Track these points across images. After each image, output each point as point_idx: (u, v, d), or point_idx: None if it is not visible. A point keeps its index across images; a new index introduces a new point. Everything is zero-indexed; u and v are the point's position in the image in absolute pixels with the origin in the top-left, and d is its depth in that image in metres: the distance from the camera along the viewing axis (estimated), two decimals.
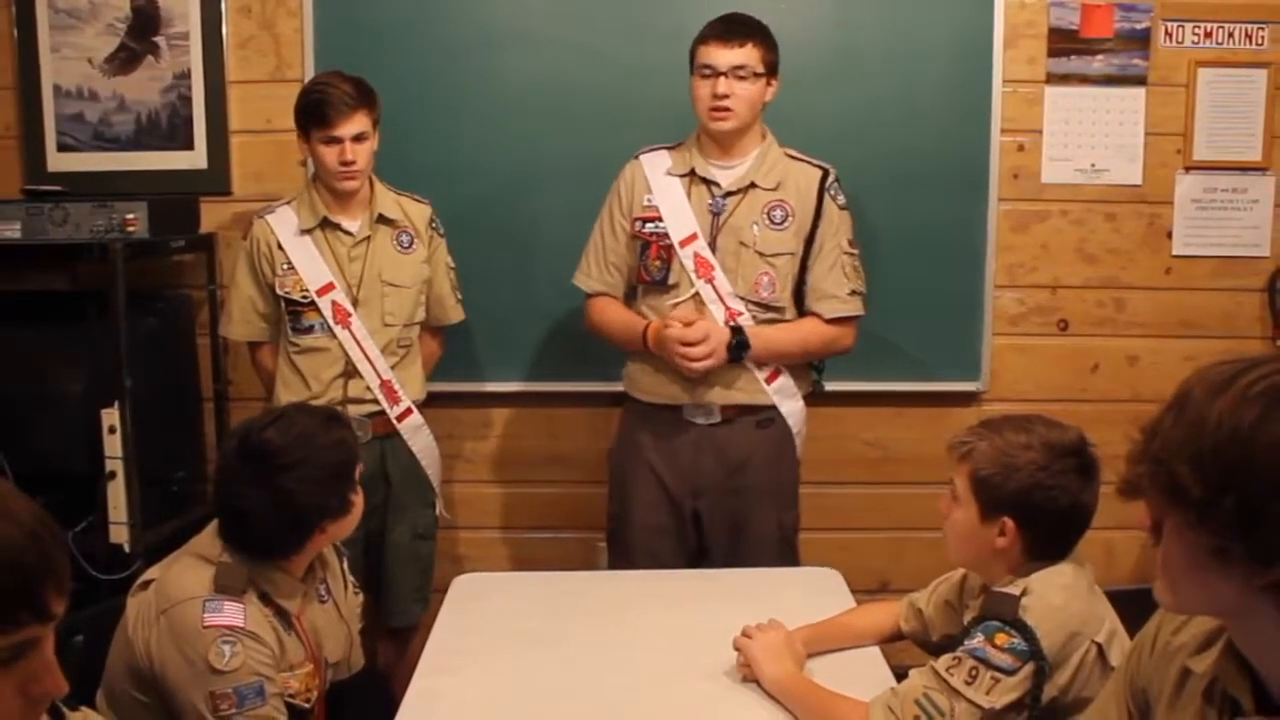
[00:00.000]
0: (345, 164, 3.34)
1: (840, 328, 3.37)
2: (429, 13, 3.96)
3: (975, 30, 3.98)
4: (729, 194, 3.29)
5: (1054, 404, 3.89)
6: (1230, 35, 4.03)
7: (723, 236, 3.27)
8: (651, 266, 3.31)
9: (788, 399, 3.37)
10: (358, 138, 3.34)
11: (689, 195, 3.31)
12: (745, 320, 3.26)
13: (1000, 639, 2.05)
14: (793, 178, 3.32)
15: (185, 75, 4.02)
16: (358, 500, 2.48)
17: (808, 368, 3.45)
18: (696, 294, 3.27)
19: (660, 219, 3.31)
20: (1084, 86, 4.04)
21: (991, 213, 4.06)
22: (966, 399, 4.15)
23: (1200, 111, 4.05)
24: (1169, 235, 4.11)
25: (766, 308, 3.29)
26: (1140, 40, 4.02)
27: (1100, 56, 4.03)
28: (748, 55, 3.19)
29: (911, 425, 4.18)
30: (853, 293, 3.35)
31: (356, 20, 3.96)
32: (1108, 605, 2.17)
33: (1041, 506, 2.13)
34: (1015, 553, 2.17)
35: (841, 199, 3.35)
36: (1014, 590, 2.11)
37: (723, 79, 3.18)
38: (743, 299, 3.27)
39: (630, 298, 3.44)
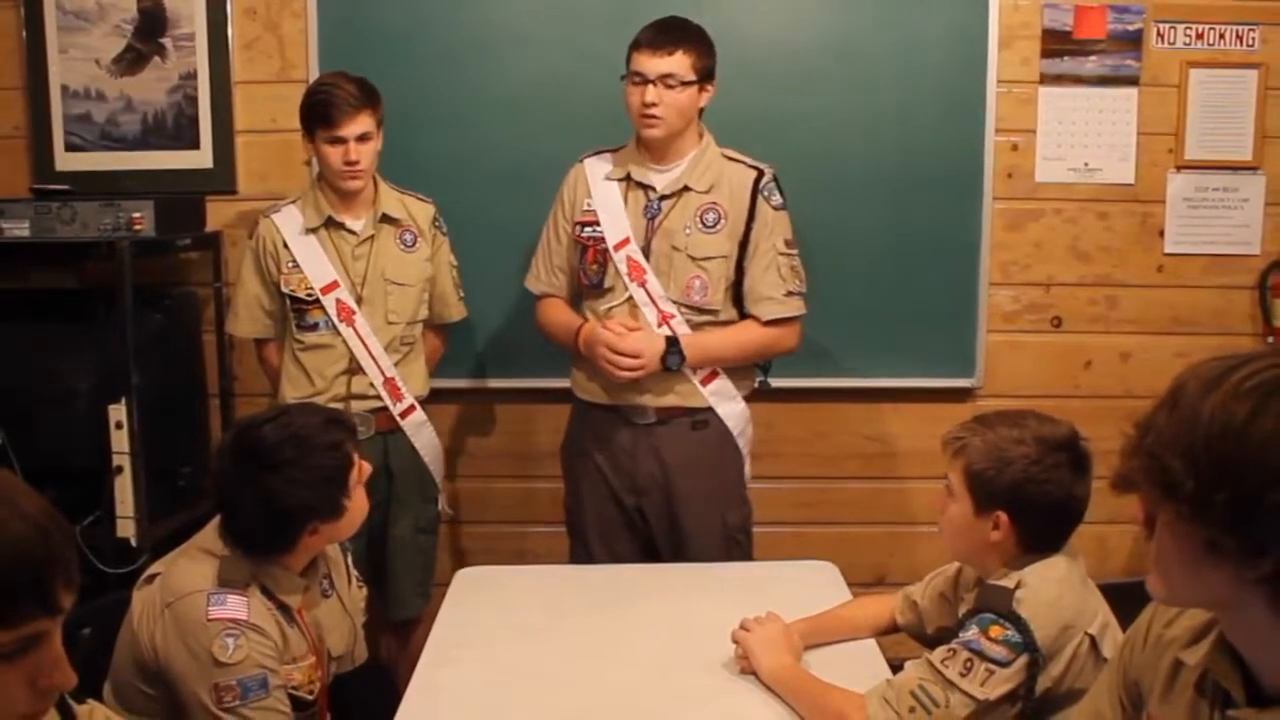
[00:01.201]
0: (349, 164, 3.34)
1: (780, 329, 3.31)
2: (432, 15, 3.96)
3: (970, 31, 3.97)
4: (664, 197, 3.27)
5: (1048, 400, 3.89)
6: (1221, 36, 4.03)
7: (657, 240, 3.25)
8: (589, 270, 3.31)
9: (725, 400, 3.33)
10: (362, 138, 3.34)
11: (625, 199, 3.30)
12: (678, 323, 3.23)
13: (995, 631, 2.05)
14: (726, 179, 3.27)
15: (191, 76, 4.01)
16: (352, 505, 2.42)
17: (752, 368, 3.41)
18: (630, 298, 3.26)
19: (598, 223, 3.29)
20: (1077, 87, 4.04)
21: (986, 211, 4.05)
22: (962, 395, 4.14)
23: (1192, 111, 4.05)
24: (1161, 233, 4.11)
25: (699, 310, 3.26)
26: (1133, 41, 4.02)
27: (1093, 57, 4.03)
28: (676, 64, 3.14)
29: (908, 421, 4.18)
30: (789, 293, 3.29)
31: (360, 21, 3.96)
32: (1100, 598, 2.17)
33: (1034, 500, 2.13)
34: (1009, 546, 2.17)
35: (777, 199, 3.29)
36: (1008, 583, 2.11)
37: (651, 87, 3.14)
38: (675, 302, 3.24)
39: (576, 301, 3.44)
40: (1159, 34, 4.02)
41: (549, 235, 3.43)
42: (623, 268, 3.26)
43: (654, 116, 3.16)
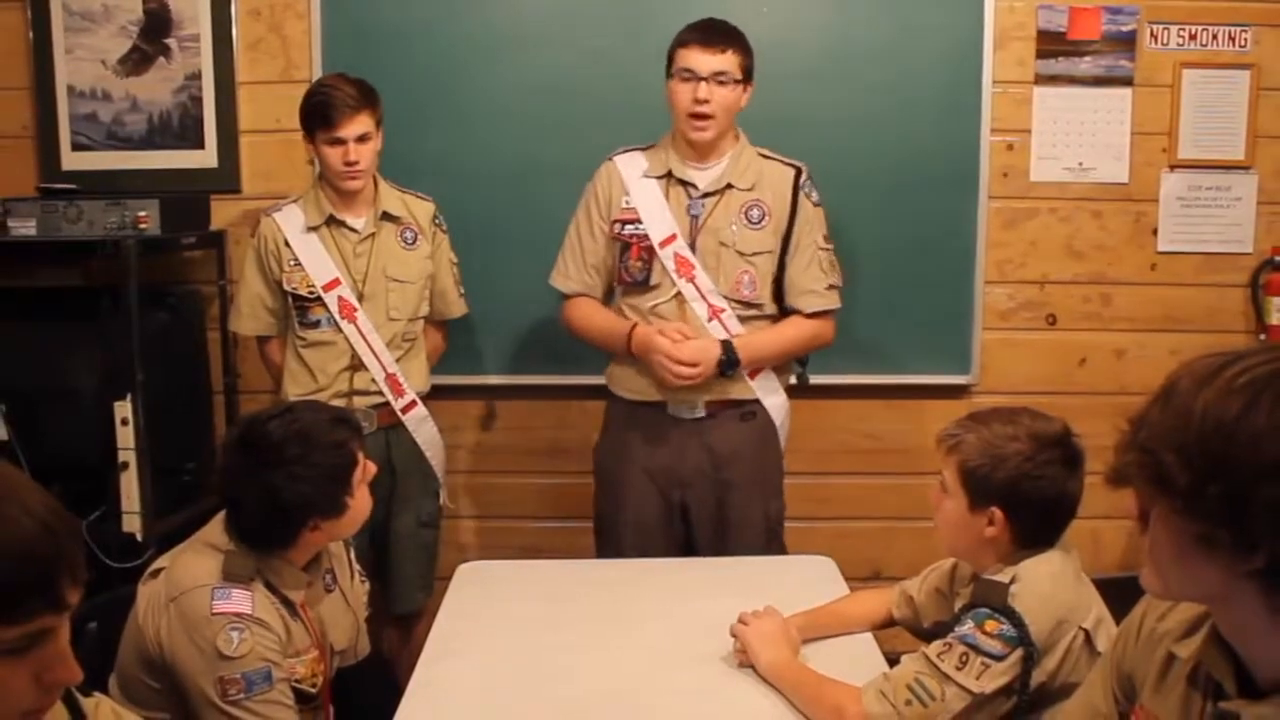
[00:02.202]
0: (349, 164, 3.34)
1: (821, 322, 3.36)
2: (434, 15, 3.96)
3: (966, 32, 3.97)
4: (706, 195, 3.27)
5: (1043, 397, 3.89)
6: (1214, 37, 4.02)
7: (702, 237, 3.26)
8: (632, 267, 3.29)
9: (770, 393, 3.36)
10: (361, 138, 3.34)
11: (667, 196, 3.29)
12: (729, 318, 3.24)
13: (990, 625, 2.05)
14: (767, 177, 3.30)
15: (196, 76, 4.01)
16: (354, 503, 2.42)
17: (791, 362, 3.45)
18: (678, 293, 3.26)
19: (639, 220, 3.28)
20: (1072, 87, 4.04)
21: (982, 210, 4.05)
22: (957, 392, 4.15)
23: (1185, 111, 4.05)
24: (1154, 232, 4.11)
25: (747, 305, 3.28)
26: (1126, 42, 4.02)
27: (1088, 58, 4.03)
28: (728, 61, 3.16)
29: (904, 417, 4.18)
30: (830, 287, 3.34)
31: (363, 23, 3.96)
32: (1094, 592, 2.16)
33: (1028, 496, 2.13)
34: (1004, 541, 2.17)
35: (815, 196, 3.33)
36: (1003, 578, 2.11)
37: (703, 84, 3.15)
38: (725, 297, 3.25)
39: (607, 298, 3.42)
40: (1152, 35, 4.02)
41: (579, 233, 3.38)
42: (670, 264, 3.25)
43: (705, 114, 3.17)
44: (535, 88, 3.97)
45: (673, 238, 3.25)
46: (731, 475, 3.33)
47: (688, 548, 3.39)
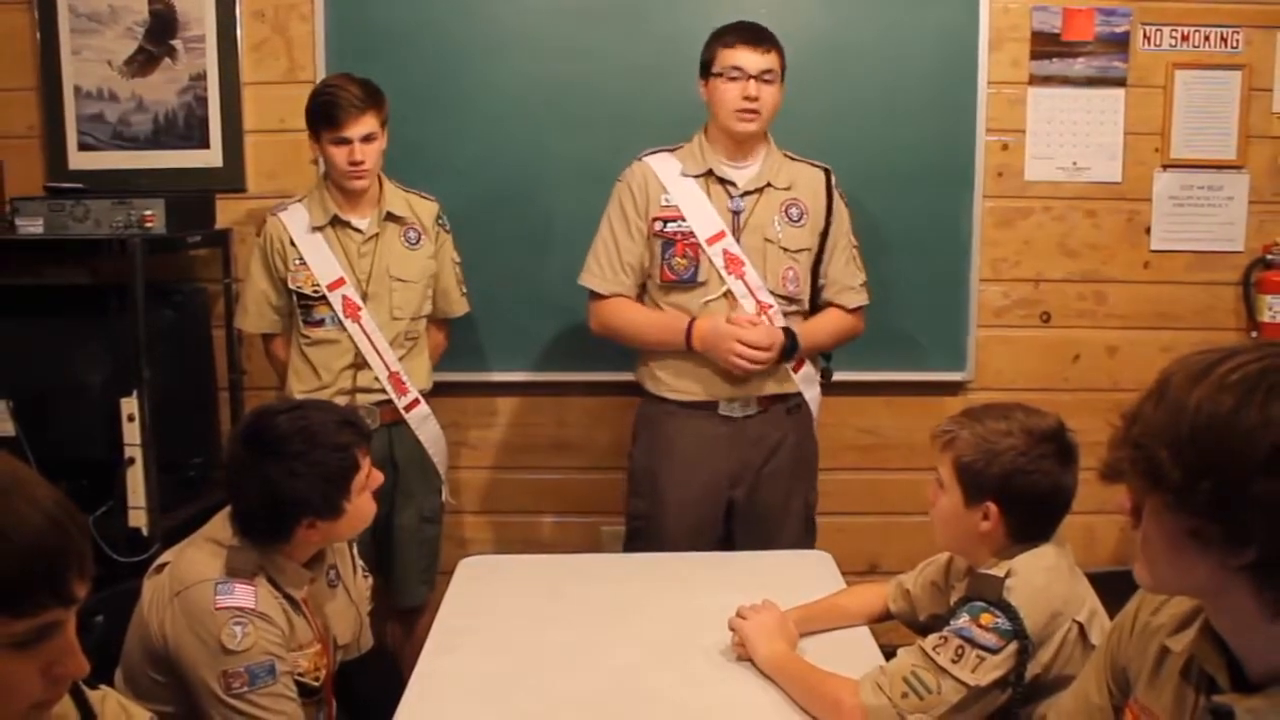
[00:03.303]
0: (354, 164, 3.33)
1: (857, 316, 3.44)
2: (437, 16, 3.95)
3: (961, 33, 3.98)
4: (746, 193, 3.29)
5: (1037, 393, 3.89)
6: (1206, 39, 4.02)
7: (745, 235, 3.27)
8: (677, 265, 3.28)
9: (810, 385, 3.42)
10: (366, 138, 3.33)
11: (708, 194, 3.29)
12: (774, 313, 3.26)
13: (985, 619, 2.04)
14: (802, 178, 3.35)
15: (201, 77, 4.01)
16: (352, 508, 2.40)
17: (819, 355, 3.48)
18: (728, 290, 3.26)
19: (682, 218, 3.28)
20: (1066, 88, 4.04)
21: (977, 209, 4.06)
22: (953, 388, 4.15)
23: (1177, 112, 4.05)
24: (1147, 231, 4.11)
25: (791, 300, 3.31)
26: (1120, 43, 4.01)
27: (1081, 59, 4.03)
28: (774, 60, 3.22)
29: (901, 413, 4.18)
30: (864, 283, 3.43)
31: (366, 24, 3.96)
32: (1088, 586, 2.16)
33: (1023, 491, 2.13)
34: (999, 536, 2.17)
35: (844, 196, 3.41)
36: (998, 572, 2.11)
37: (753, 82, 3.18)
38: (771, 293, 3.27)
39: (638, 298, 3.40)
40: (1145, 36, 4.02)
41: (614, 233, 3.35)
42: (719, 261, 3.25)
43: (754, 111, 3.20)
44: (538, 88, 3.97)
45: (721, 234, 3.26)
46: (777, 468, 3.36)
47: (725, 545, 3.38)
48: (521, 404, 4.18)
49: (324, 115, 3.31)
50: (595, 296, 3.40)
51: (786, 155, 3.38)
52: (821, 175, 3.38)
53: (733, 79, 3.20)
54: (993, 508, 2.15)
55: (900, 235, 4.02)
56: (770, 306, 3.26)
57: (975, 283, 4.10)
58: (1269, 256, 4.06)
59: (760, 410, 3.33)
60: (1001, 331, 4.15)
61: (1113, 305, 4.15)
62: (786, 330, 3.25)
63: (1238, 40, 4.02)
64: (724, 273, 3.25)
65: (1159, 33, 4.02)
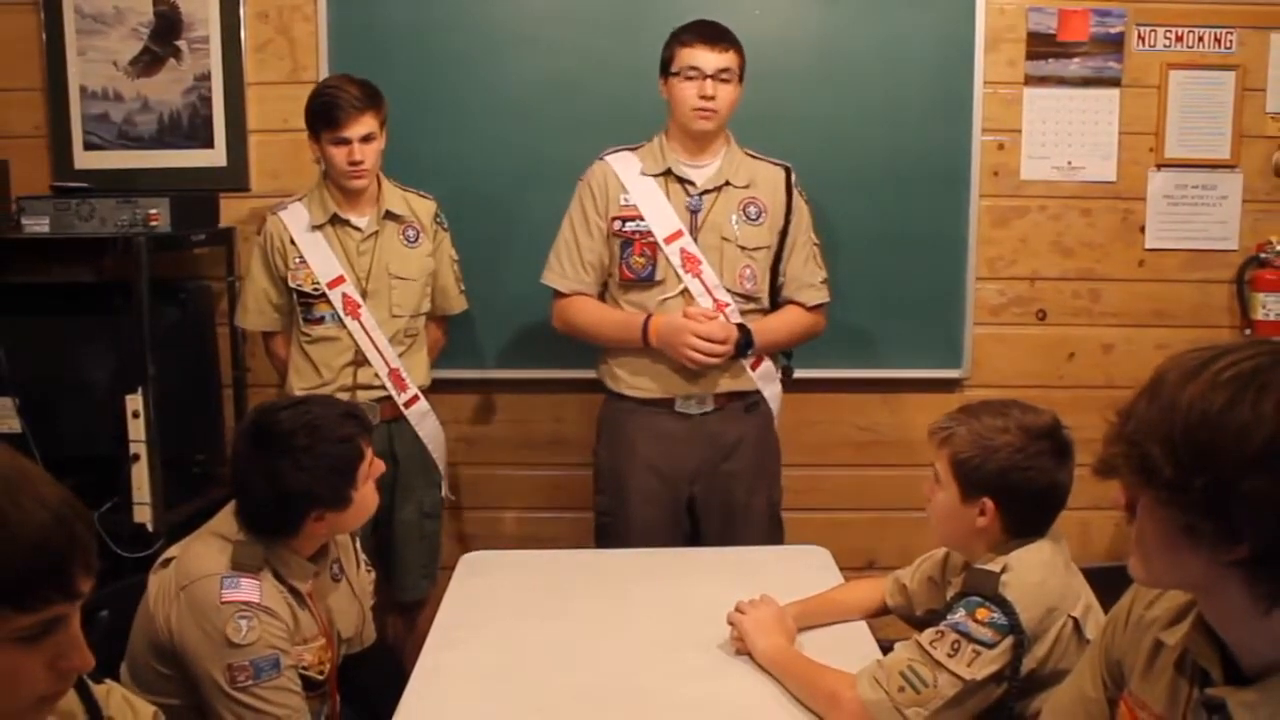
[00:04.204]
0: (353, 164, 3.33)
1: (818, 314, 3.41)
2: (437, 17, 3.96)
3: (957, 34, 3.98)
4: (704, 192, 3.28)
5: (1033, 390, 3.90)
6: (1200, 39, 4.03)
7: (703, 233, 3.26)
8: (635, 264, 3.28)
9: (770, 383, 3.40)
10: (365, 138, 3.33)
11: (666, 194, 3.29)
12: (731, 311, 3.25)
13: (981, 614, 2.04)
14: (761, 176, 3.33)
15: (205, 77, 4.01)
16: (359, 497, 2.41)
17: (778, 353, 3.46)
18: (685, 289, 3.26)
19: (641, 217, 3.28)
20: (1061, 88, 4.04)
21: (973, 208, 4.06)
22: (950, 385, 4.15)
23: (1171, 112, 4.05)
24: (1142, 229, 4.11)
25: (748, 298, 3.30)
26: (1114, 44, 4.02)
27: (1076, 59, 4.03)
28: (730, 59, 3.20)
29: (898, 410, 4.18)
30: (824, 281, 3.40)
31: (368, 25, 3.96)
32: (1083, 581, 2.16)
33: (1019, 487, 2.13)
34: (995, 531, 2.17)
35: (804, 194, 3.38)
36: (994, 567, 2.11)
37: (709, 81, 3.17)
38: (728, 290, 3.26)
39: (600, 297, 3.41)
40: (1140, 37, 4.02)
41: (575, 232, 3.36)
42: (675, 259, 3.25)
43: (711, 110, 3.19)
44: (536, 88, 3.97)
45: (679, 234, 3.26)
46: (737, 466, 3.34)
47: (693, 539, 3.39)
48: (520, 400, 4.18)
49: (323, 115, 3.32)
50: (557, 295, 3.42)
51: (748, 153, 3.36)
52: (781, 173, 3.35)
53: (689, 78, 3.20)
54: (989, 504, 2.15)
55: (897, 233, 4.02)
56: (727, 305, 3.25)
57: (971, 281, 4.10)
58: (1262, 255, 4.06)
59: (717, 408, 3.32)
60: (998, 329, 4.15)
61: (1107, 303, 4.15)
62: (741, 326, 3.24)
63: (1231, 41, 4.02)
64: (681, 271, 3.25)
65: (1153, 33, 4.02)
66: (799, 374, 3.86)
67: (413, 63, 3.93)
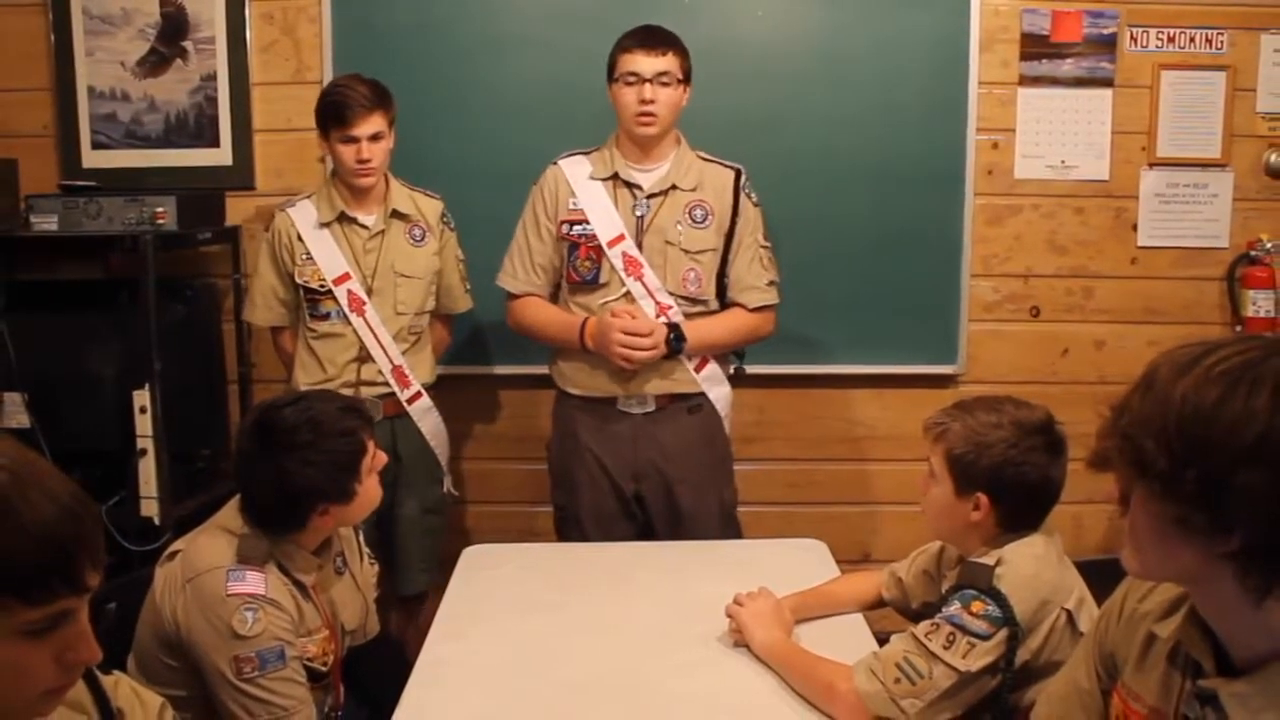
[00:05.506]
0: (362, 162, 3.33)
1: (762, 316, 3.37)
2: (441, 18, 3.96)
3: (952, 35, 3.98)
4: (651, 196, 3.28)
5: (1027, 386, 3.91)
6: (1191, 40, 4.02)
7: (648, 236, 3.26)
8: (581, 267, 3.28)
9: (715, 385, 3.37)
10: (374, 137, 3.33)
11: (613, 198, 3.29)
12: (675, 314, 3.25)
13: (976, 606, 2.04)
14: (709, 178, 3.31)
15: (211, 77, 4.01)
16: (363, 490, 2.41)
17: (729, 355, 3.45)
18: (627, 292, 3.25)
19: (587, 221, 3.28)
20: (1054, 88, 4.04)
21: (967, 207, 4.05)
22: (945, 381, 4.15)
23: (1163, 111, 4.05)
24: (1134, 228, 4.12)
25: (694, 301, 3.28)
26: (1107, 45, 4.01)
27: (1070, 60, 4.02)
28: (669, 63, 3.18)
29: (894, 406, 4.18)
30: (770, 283, 3.36)
31: (372, 25, 3.96)
32: (1077, 574, 2.16)
33: (1013, 482, 2.13)
34: (989, 525, 2.17)
35: (755, 197, 3.35)
36: (988, 561, 2.11)
37: (648, 85, 3.17)
38: (671, 294, 3.25)
39: (553, 299, 3.41)
40: (1132, 38, 4.02)
41: (527, 235, 3.38)
42: (618, 263, 3.25)
43: (650, 114, 3.18)
44: (540, 88, 3.97)
45: (621, 238, 3.25)
46: (682, 469, 3.33)
47: (647, 533, 3.39)
48: (522, 397, 4.18)
49: (333, 114, 3.31)
50: (511, 296, 3.43)
51: (700, 155, 3.34)
52: (731, 176, 3.32)
53: (629, 83, 3.19)
54: (983, 498, 2.15)
55: (892, 232, 4.02)
56: (670, 307, 3.24)
57: (966, 278, 4.09)
58: (1252, 252, 4.06)
59: (659, 409, 3.31)
60: (992, 326, 4.15)
61: (1100, 300, 4.15)
62: (673, 325, 3.22)
63: (1222, 41, 4.01)
64: (624, 274, 3.25)
65: (1145, 34, 4.02)
66: (793, 370, 3.88)
67: (415, 63, 3.93)
